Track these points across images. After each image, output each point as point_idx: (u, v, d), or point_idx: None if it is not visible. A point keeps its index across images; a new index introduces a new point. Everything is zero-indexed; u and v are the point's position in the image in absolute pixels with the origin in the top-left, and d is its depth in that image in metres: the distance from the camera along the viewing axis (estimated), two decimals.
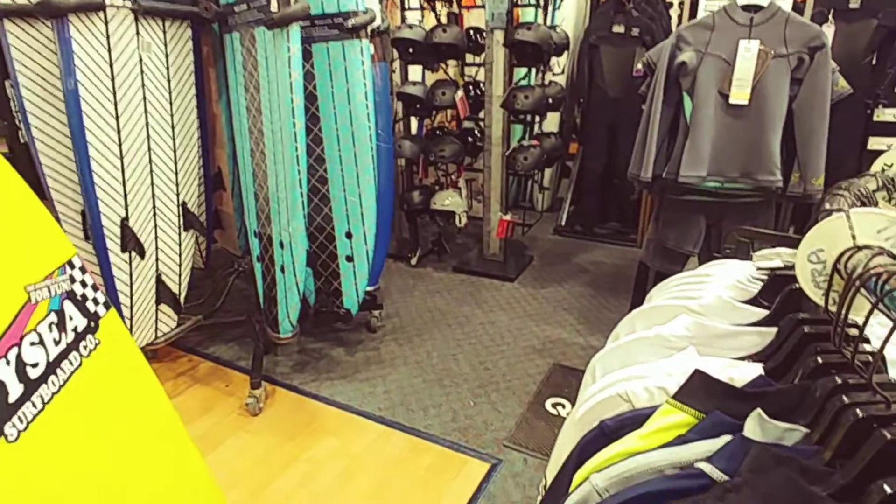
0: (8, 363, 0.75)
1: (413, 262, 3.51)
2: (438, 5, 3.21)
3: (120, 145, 1.85)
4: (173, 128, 2.07)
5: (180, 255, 2.18)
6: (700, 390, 0.57)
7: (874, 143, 3.77)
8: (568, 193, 4.25)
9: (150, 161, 1.98)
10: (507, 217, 3.27)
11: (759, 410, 0.50)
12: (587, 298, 3.08)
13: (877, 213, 0.48)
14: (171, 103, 2.03)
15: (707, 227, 2.17)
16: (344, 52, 2.01)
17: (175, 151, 2.08)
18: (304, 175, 1.90)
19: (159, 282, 2.12)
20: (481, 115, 3.27)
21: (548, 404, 2.19)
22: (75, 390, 0.85)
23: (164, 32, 1.98)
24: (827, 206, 0.67)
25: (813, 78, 1.72)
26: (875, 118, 3.65)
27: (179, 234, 2.15)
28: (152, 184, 2.00)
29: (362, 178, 2.16)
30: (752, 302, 0.71)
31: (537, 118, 3.22)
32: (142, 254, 1.95)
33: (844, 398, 0.46)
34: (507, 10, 2.91)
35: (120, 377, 0.98)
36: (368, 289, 2.46)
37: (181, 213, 2.14)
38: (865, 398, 0.46)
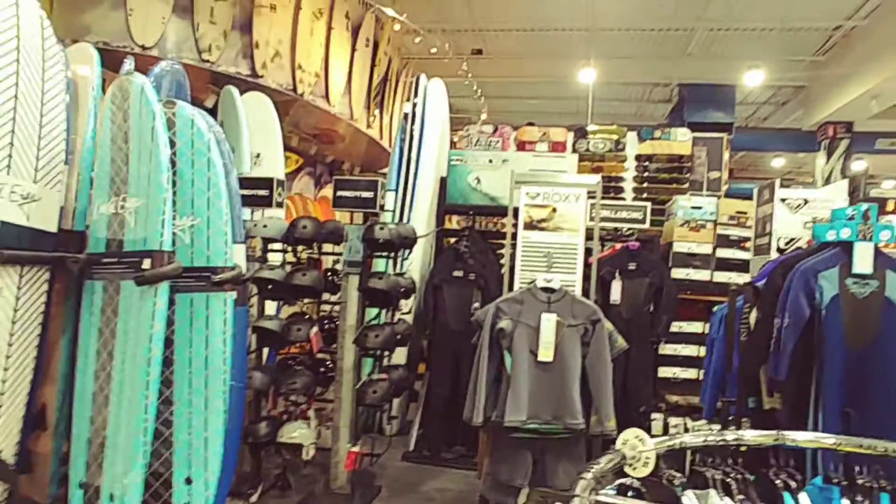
0: None
1: (253, 499, 3.27)
2: (300, 248, 3.59)
3: None
4: (6, 370, 1.97)
5: None
6: None
7: (662, 371, 4.63)
8: (416, 417, 4.42)
9: None
10: (356, 448, 3.31)
11: None
12: None
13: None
14: (9, 345, 1.98)
15: (533, 461, 2.45)
16: (207, 303, 2.18)
17: (2, 395, 1.96)
18: (151, 424, 1.89)
19: None
20: (334, 346, 3.49)
21: None
22: None
23: (21, 277, 2.02)
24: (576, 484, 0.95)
25: (596, 342, 2.24)
26: (660, 352, 4.55)
27: None
28: None
29: (211, 420, 2.16)
30: None
31: (386, 352, 3.51)
32: None
33: None
34: (362, 259, 3.37)
35: None
36: None
37: None
38: None
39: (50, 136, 2.17)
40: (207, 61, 5.28)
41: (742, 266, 4.38)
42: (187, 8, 5.15)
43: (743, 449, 1.58)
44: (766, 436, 1.58)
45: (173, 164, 2.19)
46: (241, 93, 4.67)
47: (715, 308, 3.54)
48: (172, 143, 2.21)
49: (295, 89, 6.12)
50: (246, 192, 3.59)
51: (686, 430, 4.31)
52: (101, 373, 2.04)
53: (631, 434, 1.32)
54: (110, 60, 2.87)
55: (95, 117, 2.45)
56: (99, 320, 2.11)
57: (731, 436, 1.56)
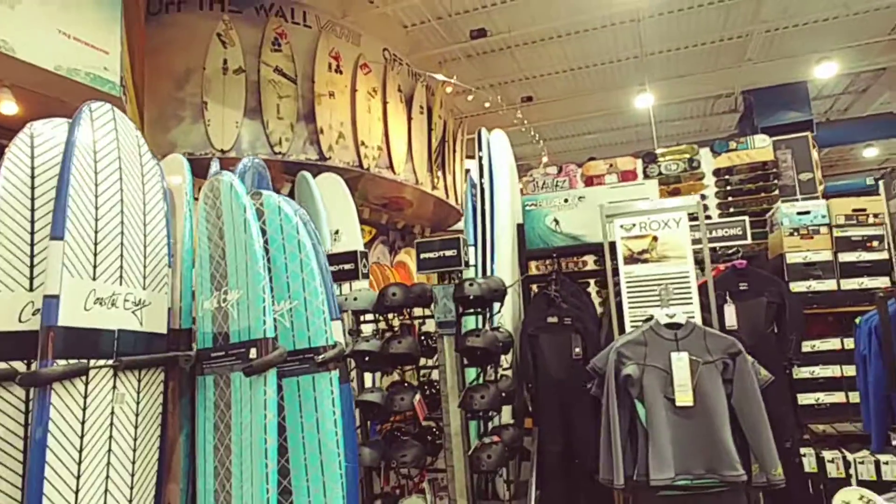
0: None
1: None
2: (391, 316, 3.53)
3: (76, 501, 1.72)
4: (132, 475, 1.98)
5: None
6: None
7: (803, 398, 4.09)
8: (531, 478, 4.11)
9: None
10: None
11: None
12: None
13: None
14: (134, 450, 1.99)
15: None
16: (314, 384, 2.13)
17: (130, 501, 1.95)
18: None
19: None
20: (437, 412, 3.33)
21: None
22: None
23: (139, 381, 2.05)
24: None
25: (741, 378, 1.97)
26: (795, 377, 4.05)
27: None
28: None
29: None
30: None
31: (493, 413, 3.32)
32: None
33: None
34: (454, 319, 3.25)
35: None
36: None
37: None
38: None
39: (154, 244, 2.26)
40: (279, 153, 5.59)
41: (873, 268, 3.90)
42: (256, 109, 5.53)
43: None
44: None
45: (266, 251, 2.21)
46: (313, 176, 4.86)
47: (857, 319, 3.12)
48: (263, 232, 2.25)
49: (361, 165, 6.33)
50: (333, 267, 3.62)
51: (846, 464, 3.75)
52: (221, 468, 2.00)
53: (853, 495, 1.06)
54: (195, 168, 3.03)
55: (191, 220, 2.55)
56: (213, 415, 2.10)
57: None
